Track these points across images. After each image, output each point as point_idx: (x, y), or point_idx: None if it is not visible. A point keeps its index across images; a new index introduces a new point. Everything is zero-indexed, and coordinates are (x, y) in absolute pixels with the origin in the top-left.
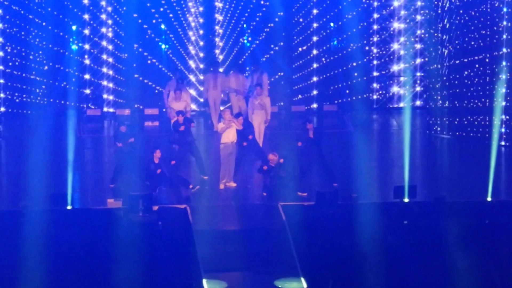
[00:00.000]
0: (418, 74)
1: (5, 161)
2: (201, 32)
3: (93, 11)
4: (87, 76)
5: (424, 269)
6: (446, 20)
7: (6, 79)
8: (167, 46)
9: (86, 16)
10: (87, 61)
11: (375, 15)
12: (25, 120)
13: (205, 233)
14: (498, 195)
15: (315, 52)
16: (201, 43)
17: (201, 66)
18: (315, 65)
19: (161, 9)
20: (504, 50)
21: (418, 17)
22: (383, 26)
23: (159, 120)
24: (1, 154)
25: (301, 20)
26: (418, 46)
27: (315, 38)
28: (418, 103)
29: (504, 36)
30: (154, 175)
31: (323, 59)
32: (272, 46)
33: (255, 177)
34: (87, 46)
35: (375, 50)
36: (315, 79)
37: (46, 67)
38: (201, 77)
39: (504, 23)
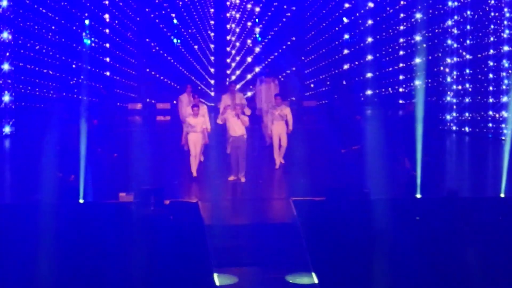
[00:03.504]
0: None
1: (18, 155)
2: (212, 35)
3: (105, 5)
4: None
5: (436, 265)
6: (457, 15)
7: (19, 74)
8: (179, 41)
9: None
10: (99, 56)
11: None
12: (36, 114)
13: (216, 228)
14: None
15: (327, 46)
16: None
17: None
18: (324, 61)
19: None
20: None
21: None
22: (396, 21)
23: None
24: (13, 148)
25: (311, 13)
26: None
27: (323, 36)
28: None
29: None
30: None
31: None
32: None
33: (267, 172)
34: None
35: (391, 45)
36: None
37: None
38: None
39: None
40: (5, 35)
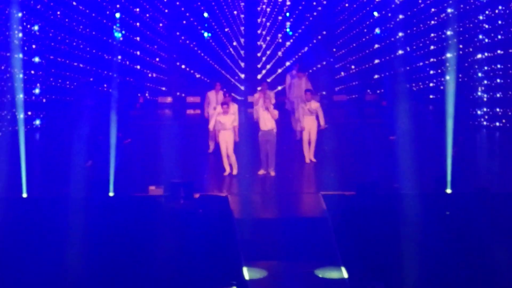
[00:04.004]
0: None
1: (48, 148)
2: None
3: None
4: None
5: (466, 261)
6: (488, 10)
7: (49, 67)
8: (209, 34)
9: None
10: (129, 48)
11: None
12: (66, 107)
13: (246, 222)
14: None
15: (357, 41)
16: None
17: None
18: (355, 55)
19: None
20: None
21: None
22: (427, 15)
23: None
24: (43, 141)
25: (345, 6)
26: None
27: (354, 30)
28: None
29: None
30: None
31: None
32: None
33: (296, 167)
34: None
35: (418, 40)
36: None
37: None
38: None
39: None
40: (36, 27)
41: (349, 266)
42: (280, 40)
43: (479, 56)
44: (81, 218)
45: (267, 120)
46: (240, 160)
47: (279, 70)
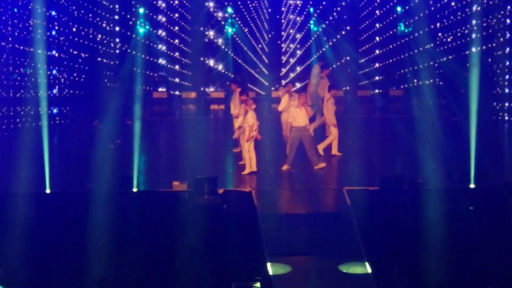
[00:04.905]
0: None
1: (73, 143)
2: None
3: None
4: (156, 59)
5: (490, 255)
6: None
7: (73, 61)
8: (233, 30)
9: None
10: (153, 44)
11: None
12: (91, 102)
13: (270, 217)
14: None
15: (381, 36)
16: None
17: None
18: (379, 50)
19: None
20: None
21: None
22: (450, 11)
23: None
24: (68, 136)
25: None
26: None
27: (378, 25)
28: None
29: None
30: None
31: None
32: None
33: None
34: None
35: (440, 35)
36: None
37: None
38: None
39: None
40: (60, 23)
41: (373, 261)
42: (303, 35)
43: (500, 52)
44: (104, 213)
45: (301, 117)
46: (264, 155)
47: (302, 67)
